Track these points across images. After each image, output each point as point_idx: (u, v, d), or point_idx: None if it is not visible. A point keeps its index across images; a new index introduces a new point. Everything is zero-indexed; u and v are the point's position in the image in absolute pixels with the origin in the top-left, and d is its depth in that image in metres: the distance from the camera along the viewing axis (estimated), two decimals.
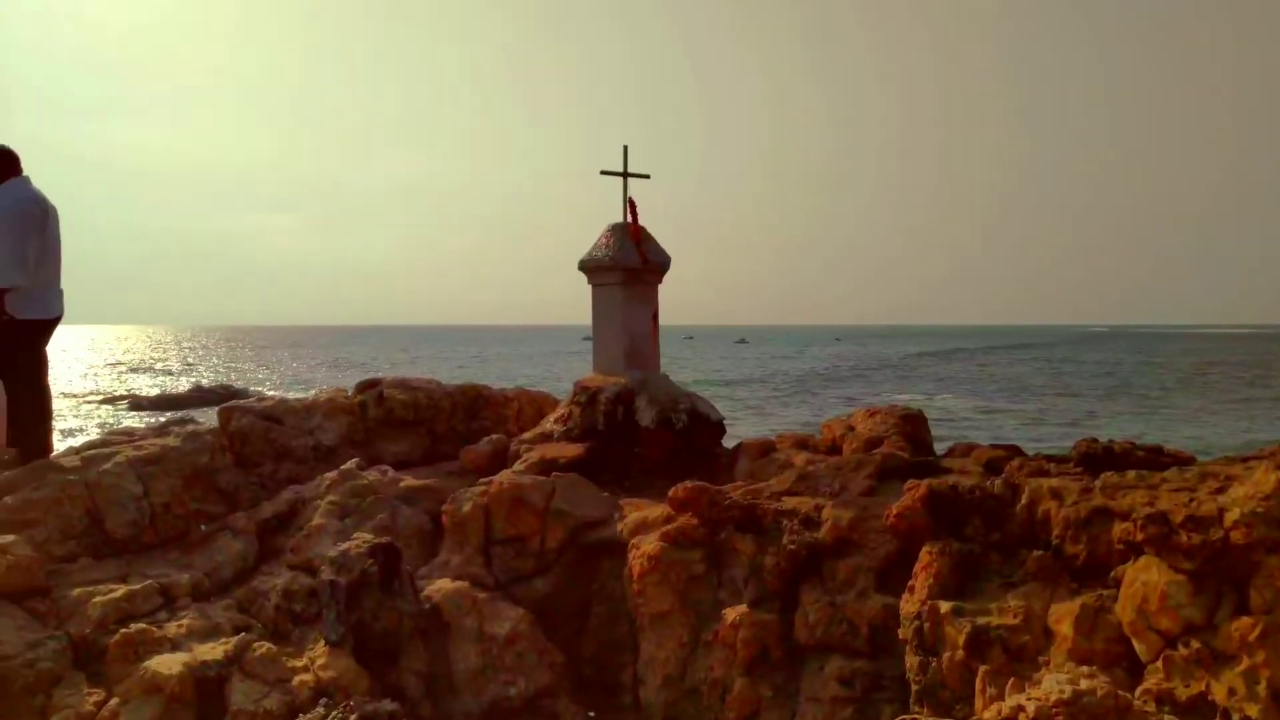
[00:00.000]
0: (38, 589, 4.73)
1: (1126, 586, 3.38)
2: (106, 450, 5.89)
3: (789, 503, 4.88)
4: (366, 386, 6.92)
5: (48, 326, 5.92)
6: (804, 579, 4.52)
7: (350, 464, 5.94)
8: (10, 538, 4.84)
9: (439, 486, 5.90)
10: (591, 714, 4.65)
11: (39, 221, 5.74)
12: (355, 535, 4.91)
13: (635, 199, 7.08)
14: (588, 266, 7.03)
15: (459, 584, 4.92)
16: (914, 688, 3.81)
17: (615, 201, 7.06)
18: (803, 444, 6.61)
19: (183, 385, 42.16)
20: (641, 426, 6.36)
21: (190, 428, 6.30)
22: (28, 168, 5.92)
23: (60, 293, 5.98)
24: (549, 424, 6.65)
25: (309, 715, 4.01)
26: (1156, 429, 27.16)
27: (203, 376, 49.83)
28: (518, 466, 5.97)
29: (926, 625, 3.80)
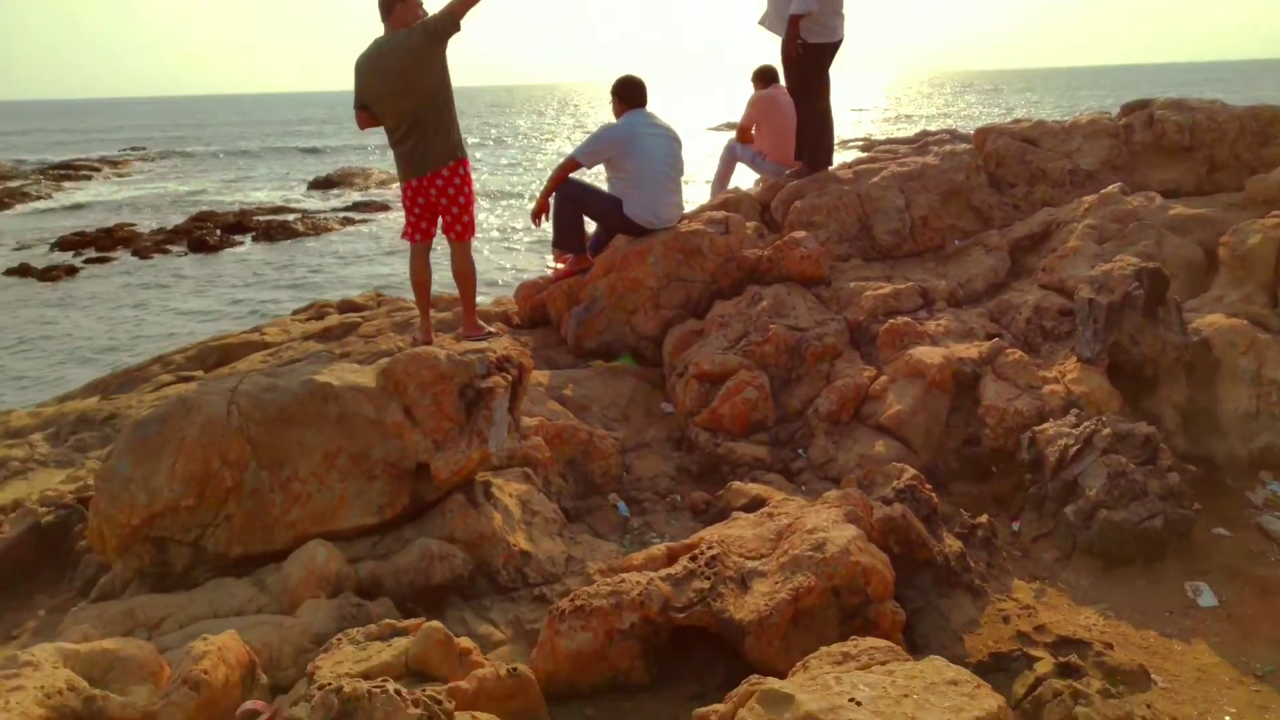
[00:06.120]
0: (822, 279, 5.50)
1: None
2: (874, 165, 6.41)
3: None
4: (1134, 108, 6.31)
5: (832, 50, 6.45)
6: None
7: (1112, 188, 5.58)
8: (801, 234, 5.64)
9: (1215, 217, 5.26)
10: None
11: None
12: (1117, 258, 4.68)
13: None
14: None
15: (1235, 321, 4.42)
16: None
17: None
18: None
19: (908, 130, 43.47)
20: None
21: (948, 147, 6.49)
22: None
23: (842, 18, 6.41)
24: None
25: (1061, 420, 4.08)
26: None
27: (928, 122, 50.77)
28: None
29: None
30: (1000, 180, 6.36)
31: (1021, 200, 6.24)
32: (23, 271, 17.32)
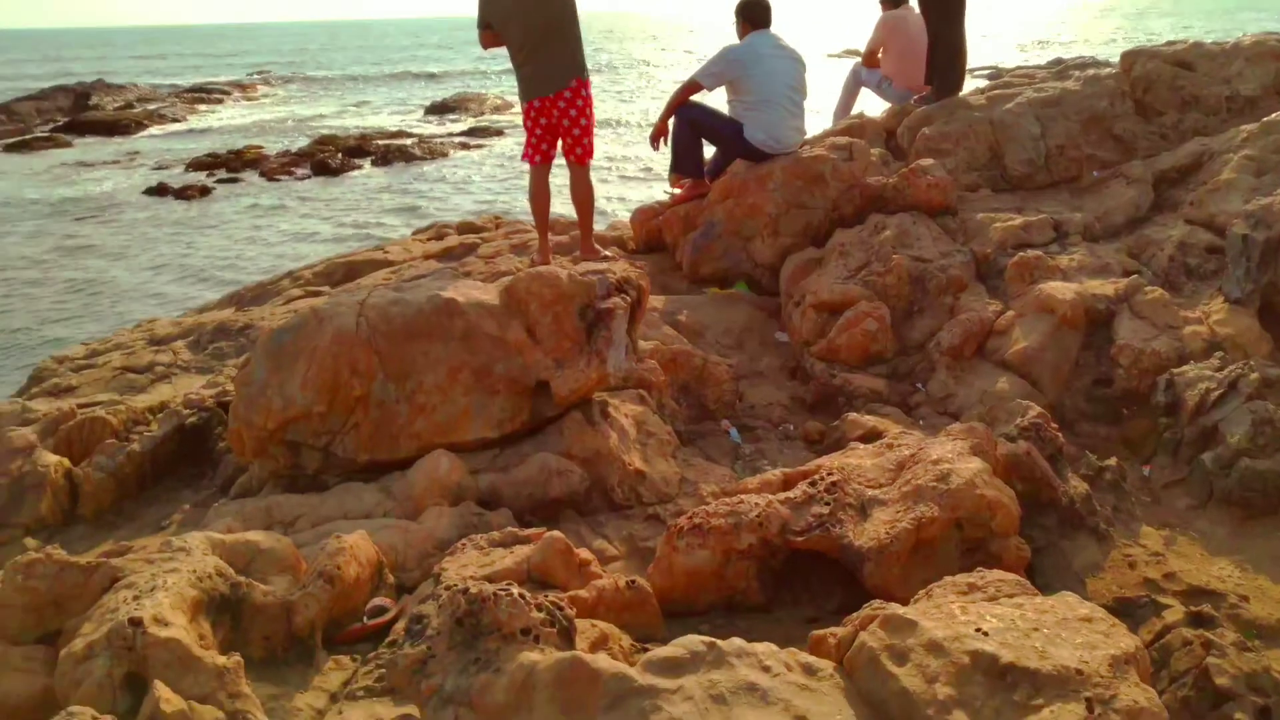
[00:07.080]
0: (949, 208, 5.30)
1: None
2: (1009, 91, 6.10)
3: None
4: None
5: None
6: None
7: (1276, 115, 5.17)
8: (928, 162, 5.43)
9: None
10: None
11: None
12: (1278, 191, 4.35)
13: None
14: None
15: None
16: None
17: None
18: None
19: (1042, 57, 40.95)
20: None
21: (1090, 72, 6.12)
22: None
23: None
24: None
25: (1203, 363, 3.87)
26: None
27: (1063, 49, 47.78)
28: None
29: None
30: (1147, 107, 5.96)
31: (1170, 129, 5.84)
32: (160, 191, 18.17)
